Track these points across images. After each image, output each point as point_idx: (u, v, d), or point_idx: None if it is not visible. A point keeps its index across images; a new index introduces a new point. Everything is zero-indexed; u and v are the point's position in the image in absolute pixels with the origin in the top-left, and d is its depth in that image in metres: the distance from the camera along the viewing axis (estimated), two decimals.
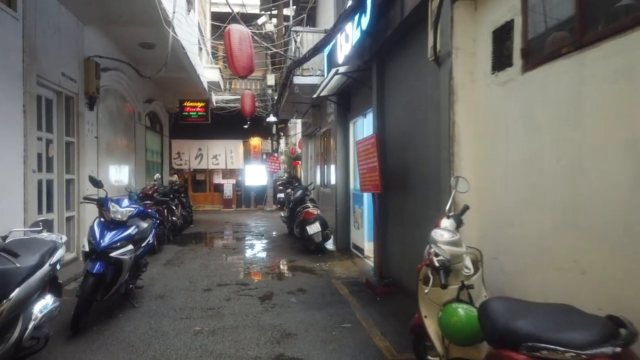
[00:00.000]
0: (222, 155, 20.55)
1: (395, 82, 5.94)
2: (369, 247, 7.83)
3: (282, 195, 14.93)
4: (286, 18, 15.41)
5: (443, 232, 2.87)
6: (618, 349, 1.73)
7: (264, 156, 20.46)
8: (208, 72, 13.74)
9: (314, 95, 8.78)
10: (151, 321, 4.82)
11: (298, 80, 9.27)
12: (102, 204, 4.91)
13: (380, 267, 6.20)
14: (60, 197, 7.00)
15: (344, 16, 5.89)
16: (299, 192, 9.91)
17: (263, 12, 16.95)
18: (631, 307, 2.24)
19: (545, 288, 2.93)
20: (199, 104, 15.03)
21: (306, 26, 13.68)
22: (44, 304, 3.58)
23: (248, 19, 16.36)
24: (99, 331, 4.48)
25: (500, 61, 3.43)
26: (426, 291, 2.72)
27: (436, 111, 4.32)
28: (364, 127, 8.07)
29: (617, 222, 2.38)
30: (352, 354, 3.95)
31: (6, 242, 3.35)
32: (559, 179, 2.83)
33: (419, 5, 4.52)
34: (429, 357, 3.24)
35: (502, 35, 3.41)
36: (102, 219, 4.89)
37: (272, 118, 16.61)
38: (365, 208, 7.98)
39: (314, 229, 8.52)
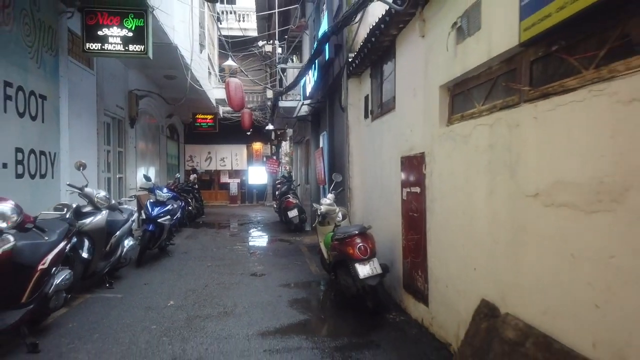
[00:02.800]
0: (228, 158, 23.79)
1: (337, 113, 9.08)
2: None
3: None
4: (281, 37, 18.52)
5: (326, 199, 6.07)
6: (357, 231, 4.89)
7: (264, 159, 23.65)
8: (216, 91, 16.93)
9: (293, 116, 11.98)
10: (181, 262, 8.02)
11: (282, 104, 12.46)
12: (151, 191, 8.15)
13: None
14: (115, 189, 10.24)
15: (302, 71, 9.07)
16: (285, 187, 13.13)
17: (260, 38, 20.08)
18: (390, 230, 5.37)
19: (378, 228, 6.09)
20: (209, 116, 18.26)
21: (296, 53, 16.87)
22: (129, 242, 6.79)
23: (249, 41, 19.61)
24: (152, 265, 7.68)
25: (366, 113, 6.58)
26: (313, 225, 5.91)
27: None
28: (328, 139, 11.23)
29: (389, 196, 5.51)
30: (295, 272, 7.12)
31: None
32: (378, 177, 5.98)
33: (339, 73, 7.68)
34: (326, 268, 6.38)
35: (366, 101, 6.56)
36: (151, 200, 8.12)
37: (270, 127, 19.79)
38: None
39: (292, 213, 11.69)
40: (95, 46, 7.07)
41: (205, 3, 14.26)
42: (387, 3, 4.31)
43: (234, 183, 24.28)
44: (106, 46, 7.08)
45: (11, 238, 3.64)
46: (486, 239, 3.08)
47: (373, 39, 5.21)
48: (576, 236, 2.21)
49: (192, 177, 17.12)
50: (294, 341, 4.20)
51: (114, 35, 7.06)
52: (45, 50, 6.40)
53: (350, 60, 6.67)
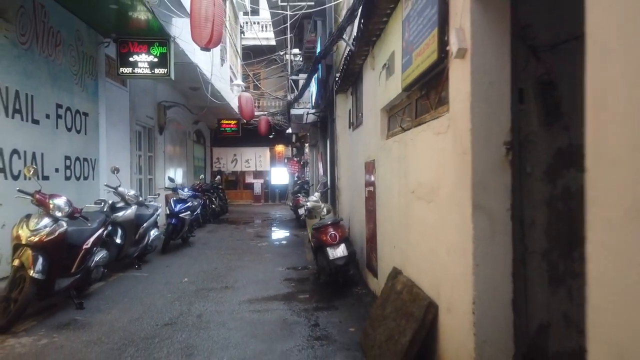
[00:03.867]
0: (252, 160, 25.27)
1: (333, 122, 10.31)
2: None
3: None
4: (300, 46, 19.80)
5: (312, 197, 7.32)
6: (329, 221, 6.11)
7: (286, 160, 25.04)
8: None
9: (303, 122, 13.27)
10: (199, 251, 9.41)
11: (293, 111, 13.77)
12: (175, 190, 9.58)
13: None
14: (146, 189, 11.75)
15: (304, 85, 10.32)
16: (297, 187, 14.43)
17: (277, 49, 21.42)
18: (361, 222, 6.55)
19: (357, 221, 7.26)
20: (232, 122, 19.73)
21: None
22: (154, 232, 8.20)
23: (271, 50, 21.01)
24: (174, 253, 9.09)
25: (350, 124, 7.78)
26: (301, 218, 7.14)
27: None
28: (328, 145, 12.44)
29: (360, 194, 6.67)
30: (293, 259, 8.38)
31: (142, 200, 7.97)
32: (355, 178, 7.16)
33: (331, 89, 8.89)
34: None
35: (350, 113, 7.76)
36: (174, 198, 9.54)
37: (289, 130, 21.13)
38: None
39: (302, 210, 12.94)
40: (128, 70, 8.52)
41: (228, 22, 15.74)
42: (347, 43, 5.52)
43: (257, 183, 25.75)
44: (136, 70, 8.52)
45: (64, 224, 5.03)
46: (397, 223, 4.26)
47: (345, 66, 6.42)
48: (426, 218, 3.38)
49: (217, 178, 18.65)
50: (273, 305, 5.46)
51: (143, 60, 8.50)
52: (87, 75, 7.88)
53: (336, 79, 7.89)
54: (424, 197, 3.37)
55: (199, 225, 12.57)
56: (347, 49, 6.19)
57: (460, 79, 2.59)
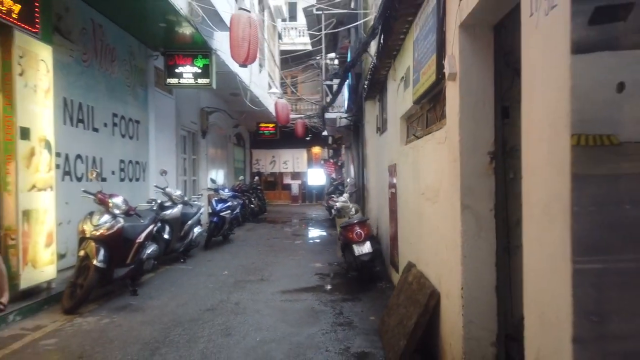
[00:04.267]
0: (290, 161, 26.03)
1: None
2: None
3: None
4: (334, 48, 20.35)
5: (342, 198, 7.82)
6: (355, 220, 6.61)
7: (322, 162, 25.64)
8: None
9: (336, 126, 13.81)
10: (239, 247, 10.10)
11: (327, 115, 14.33)
12: (216, 190, 10.32)
13: None
14: (190, 189, 12.58)
15: (336, 91, 10.85)
16: (332, 188, 14.96)
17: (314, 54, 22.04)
18: (386, 222, 7.02)
19: (383, 221, 7.72)
20: (270, 125, 20.50)
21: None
22: (197, 229, 8.93)
23: (307, 54, 21.67)
24: (216, 249, 9.81)
25: (378, 128, 8.24)
26: (331, 217, 7.69)
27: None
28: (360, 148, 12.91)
29: (385, 195, 7.13)
30: (325, 256, 8.92)
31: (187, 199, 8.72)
32: (379, 178, 7.61)
33: (360, 95, 9.38)
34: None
35: (377, 119, 8.22)
36: (216, 198, 10.28)
37: (325, 133, 21.69)
38: None
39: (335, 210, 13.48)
40: (174, 81, 9.31)
41: (266, 30, 16.52)
42: (370, 57, 6.00)
43: (295, 184, 26.50)
44: (181, 80, 9.29)
45: (122, 220, 5.76)
46: (412, 221, 4.72)
47: (370, 76, 6.91)
48: (431, 217, 3.84)
49: (256, 179, 19.47)
50: (303, 296, 6.01)
51: (187, 72, 9.26)
52: (138, 86, 8.69)
53: (364, 87, 8.37)
54: (430, 198, 3.83)
55: (238, 223, 13.30)
56: (372, 61, 6.68)
57: (452, 98, 3.05)
